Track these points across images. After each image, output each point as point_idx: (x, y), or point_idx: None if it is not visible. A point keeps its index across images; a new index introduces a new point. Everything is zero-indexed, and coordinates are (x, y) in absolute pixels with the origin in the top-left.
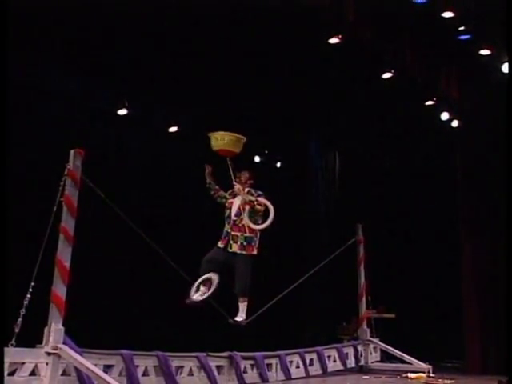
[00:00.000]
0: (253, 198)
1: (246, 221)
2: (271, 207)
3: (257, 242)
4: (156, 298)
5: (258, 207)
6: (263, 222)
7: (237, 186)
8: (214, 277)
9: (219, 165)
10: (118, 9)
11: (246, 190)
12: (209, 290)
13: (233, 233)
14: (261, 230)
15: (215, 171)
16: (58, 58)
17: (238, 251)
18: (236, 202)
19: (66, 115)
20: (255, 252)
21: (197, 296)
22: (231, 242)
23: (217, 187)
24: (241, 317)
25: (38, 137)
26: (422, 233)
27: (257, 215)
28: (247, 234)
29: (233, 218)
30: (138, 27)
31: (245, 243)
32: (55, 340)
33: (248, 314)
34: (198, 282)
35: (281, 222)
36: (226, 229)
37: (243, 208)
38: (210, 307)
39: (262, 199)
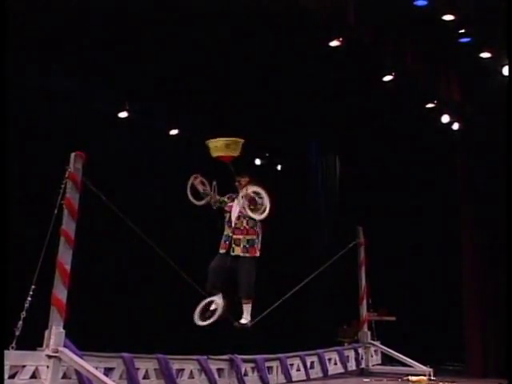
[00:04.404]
0: (249, 192)
1: (249, 213)
2: (263, 193)
3: (259, 244)
4: (156, 301)
5: (252, 195)
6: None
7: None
8: (219, 300)
9: (219, 169)
10: (119, 10)
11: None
12: (213, 314)
13: (235, 236)
14: (262, 230)
15: (204, 179)
16: (59, 60)
17: (242, 254)
18: (236, 205)
19: (66, 117)
20: (258, 254)
21: (201, 322)
22: (233, 245)
23: (211, 193)
24: (246, 319)
25: (38, 139)
26: (422, 235)
27: (255, 208)
28: (249, 237)
29: (234, 221)
30: (139, 29)
31: (247, 245)
32: (56, 343)
33: (251, 316)
34: (201, 306)
35: (282, 224)
36: (226, 233)
37: (243, 205)
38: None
39: (254, 188)
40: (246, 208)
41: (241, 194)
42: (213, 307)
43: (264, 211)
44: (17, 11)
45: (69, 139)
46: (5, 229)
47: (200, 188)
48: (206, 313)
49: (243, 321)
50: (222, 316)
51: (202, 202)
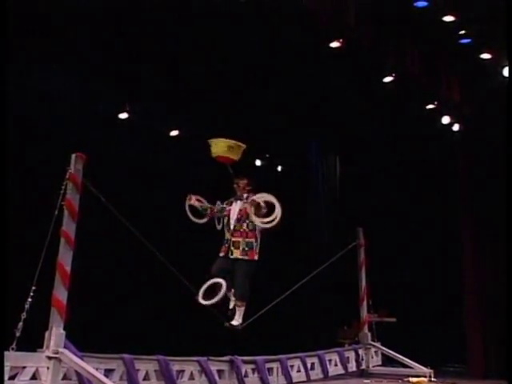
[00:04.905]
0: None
1: (253, 219)
2: (276, 202)
3: (258, 248)
4: (157, 302)
5: (262, 204)
6: (267, 218)
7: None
8: (223, 282)
9: (218, 169)
10: (119, 12)
11: (245, 195)
12: (216, 294)
13: (233, 239)
14: (261, 234)
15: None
16: (59, 61)
17: (240, 257)
18: (235, 208)
19: (67, 118)
20: (256, 257)
21: (204, 300)
22: (232, 248)
23: (209, 206)
24: (237, 321)
25: (38, 140)
26: (422, 236)
27: (260, 211)
28: (248, 240)
29: (233, 224)
30: (139, 30)
31: (246, 248)
32: (56, 344)
33: (248, 317)
34: (205, 286)
35: (282, 225)
36: (226, 237)
37: (246, 212)
38: (210, 311)
39: (263, 196)
40: (251, 213)
41: (249, 199)
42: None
43: (272, 221)
44: (17, 11)
45: (69, 140)
46: (5, 230)
47: (198, 205)
48: (210, 293)
49: (234, 322)
50: (224, 297)
51: (205, 220)
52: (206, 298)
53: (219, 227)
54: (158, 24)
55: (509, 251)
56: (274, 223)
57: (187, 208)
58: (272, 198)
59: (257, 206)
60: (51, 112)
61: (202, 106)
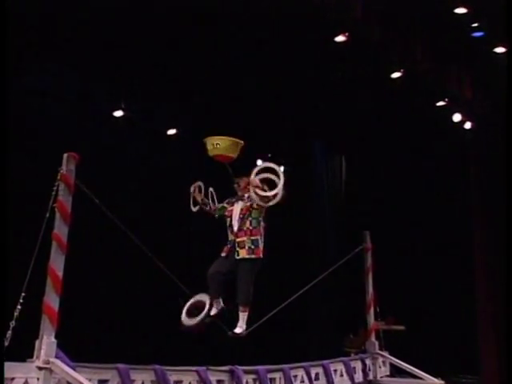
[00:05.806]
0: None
1: (256, 190)
2: (280, 174)
3: (262, 244)
4: (154, 309)
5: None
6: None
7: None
8: (205, 298)
9: (218, 169)
10: (116, 10)
11: (246, 195)
12: (201, 312)
13: (238, 239)
14: (265, 230)
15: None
16: (55, 59)
17: (247, 256)
18: (237, 209)
19: (60, 116)
20: (262, 255)
21: (188, 320)
22: (238, 248)
23: (210, 202)
24: (240, 328)
25: (31, 138)
26: (433, 240)
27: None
28: (253, 237)
29: (236, 224)
30: (136, 28)
31: (253, 247)
32: (47, 354)
33: (249, 324)
34: (187, 306)
35: (285, 228)
36: (229, 238)
37: (248, 209)
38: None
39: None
40: (255, 188)
41: (250, 178)
42: (199, 304)
43: (274, 196)
44: (16, 12)
45: (62, 139)
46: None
47: (198, 198)
48: (193, 311)
49: (238, 330)
50: (207, 315)
51: (197, 208)
52: (189, 316)
53: (216, 216)
54: (157, 23)
55: (509, 253)
56: (276, 200)
57: (192, 193)
58: (275, 167)
59: (257, 186)
60: (45, 109)
61: (201, 104)
